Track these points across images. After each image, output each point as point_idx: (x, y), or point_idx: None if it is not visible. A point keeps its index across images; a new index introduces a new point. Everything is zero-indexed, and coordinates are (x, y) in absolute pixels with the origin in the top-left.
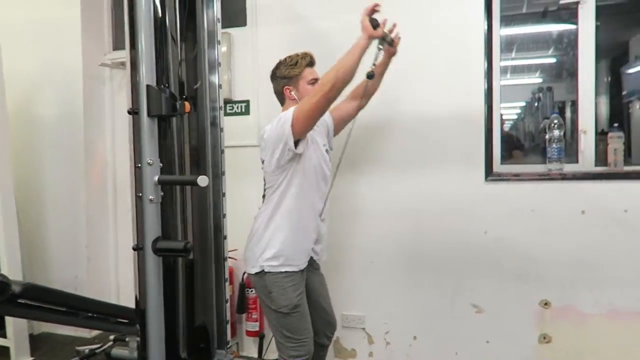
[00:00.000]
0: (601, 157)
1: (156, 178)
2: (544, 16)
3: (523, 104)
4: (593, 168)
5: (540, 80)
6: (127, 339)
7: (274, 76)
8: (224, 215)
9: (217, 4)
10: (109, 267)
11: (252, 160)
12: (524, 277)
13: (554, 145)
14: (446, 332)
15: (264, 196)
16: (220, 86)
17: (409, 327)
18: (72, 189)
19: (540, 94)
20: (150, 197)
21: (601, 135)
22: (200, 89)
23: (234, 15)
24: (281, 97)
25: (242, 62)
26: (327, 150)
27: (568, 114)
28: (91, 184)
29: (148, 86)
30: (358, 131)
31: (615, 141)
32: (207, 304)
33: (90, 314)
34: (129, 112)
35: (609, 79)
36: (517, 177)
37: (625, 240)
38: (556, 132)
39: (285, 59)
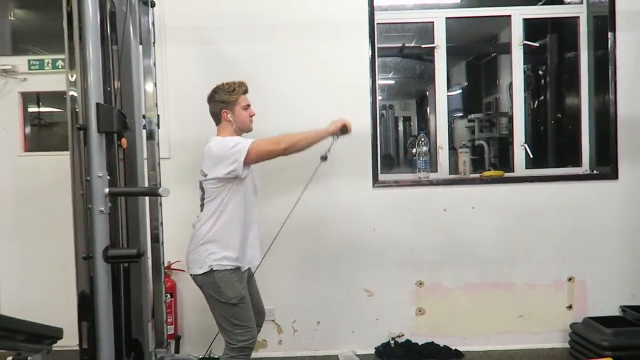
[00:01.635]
0: (452, 166)
1: (107, 190)
2: (401, 51)
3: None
4: (446, 176)
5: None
6: (29, 359)
7: (212, 99)
8: (161, 224)
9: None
10: None
11: (165, 171)
12: (404, 264)
13: (421, 158)
14: (344, 315)
15: (202, 205)
16: (156, 103)
17: (313, 314)
18: None
19: (384, 111)
20: (100, 208)
21: (452, 150)
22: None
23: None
24: (218, 118)
25: None
26: None
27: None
28: None
29: (98, 104)
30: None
31: (464, 155)
32: (139, 307)
33: (2, 333)
34: (78, 128)
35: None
36: (397, 184)
37: (475, 230)
38: (424, 148)
39: (223, 85)
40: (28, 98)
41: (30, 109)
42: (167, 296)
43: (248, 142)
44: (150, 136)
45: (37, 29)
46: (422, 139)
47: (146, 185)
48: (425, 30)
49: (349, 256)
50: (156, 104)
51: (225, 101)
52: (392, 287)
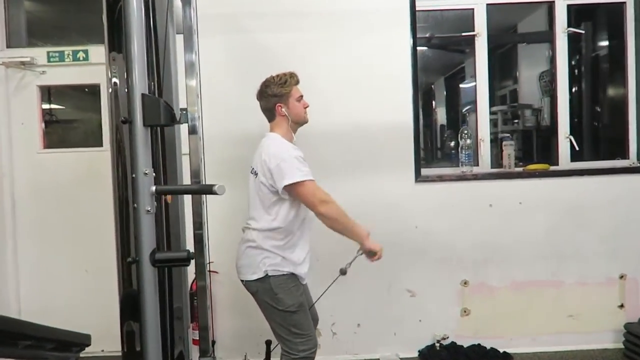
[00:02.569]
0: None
1: (153, 188)
2: (429, 41)
3: None
4: (490, 169)
5: None
6: None
7: (264, 95)
8: (206, 223)
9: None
10: (7, 284)
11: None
12: (447, 262)
13: (465, 152)
14: (385, 316)
15: (251, 206)
16: (198, 95)
17: (353, 316)
18: None
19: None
20: (147, 207)
21: (493, 143)
22: (174, 98)
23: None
24: (271, 114)
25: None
26: None
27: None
28: None
29: (144, 95)
30: (301, 140)
31: (509, 148)
32: (180, 312)
33: (30, 342)
34: (123, 122)
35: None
36: (440, 179)
37: (522, 227)
38: (467, 141)
39: (274, 78)
40: (47, 92)
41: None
42: (195, 299)
43: (306, 176)
44: (193, 131)
45: (52, 21)
46: (465, 132)
47: (188, 182)
48: (446, 20)
49: (390, 255)
50: (199, 98)
51: (278, 94)
52: (435, 286)
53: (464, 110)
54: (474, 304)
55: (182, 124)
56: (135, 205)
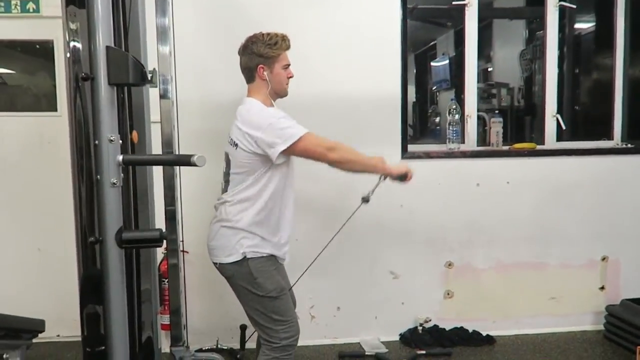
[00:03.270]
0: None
1: (120, 158)
2: (411, 12)
3: None
4: (477, 147)
5: None
6: (5, 356)
7: (248, 51)
8: (180, 199)
9: None
10: None
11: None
12: (432, 243)
13: (452, 128)
14: (367, 299)
15: (226, 181)
16: (171, 52)
17: (332, 299)
18: None
19: None
20: (113, 180)
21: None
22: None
23: None
24: (251, 74)
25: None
26: None
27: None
28: None
29: (109, 48)
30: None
31: (497, 125)
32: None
33: None
34: (84, 78)
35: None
36: (427, 155)
37: (508, 207)
38: (456, 117)
39: (263, 35)
40: None
41: None
42: (164, 281)
43: (302, 131)
44: (165, 95)
45: None
46: (454, 107)
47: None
48: None
49: (373, 235)
50: (173, 55)
51: (264, 55)
52: (419, 268)
53: (433, 89)
54: (457, 286)
55: (153, 85)
56: (99, 176)
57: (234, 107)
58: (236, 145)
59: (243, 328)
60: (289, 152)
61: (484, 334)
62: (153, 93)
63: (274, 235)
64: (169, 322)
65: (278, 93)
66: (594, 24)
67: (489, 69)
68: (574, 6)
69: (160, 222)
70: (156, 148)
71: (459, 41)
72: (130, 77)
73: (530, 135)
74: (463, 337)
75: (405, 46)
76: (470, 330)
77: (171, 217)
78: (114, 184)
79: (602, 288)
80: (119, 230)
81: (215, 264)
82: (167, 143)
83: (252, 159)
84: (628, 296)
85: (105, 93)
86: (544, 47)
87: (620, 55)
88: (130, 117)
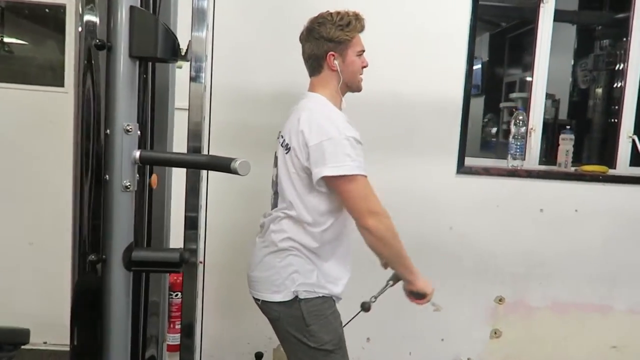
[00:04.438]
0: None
1: (137, 154)
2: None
3: None
4: (541, 166)
5: None
6: None
7: (315, 35)
8: (205, 207)
9: None
10: None
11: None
12: (483, 274)
13: (516, 142)
14: (402, 332)
15: (277, 192)
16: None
17: (362, 328)
18: None
19: None
20: (126, 182)
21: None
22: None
23: None
24: (318, 64)
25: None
26: None
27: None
28: None
29: (133, 9)
30: None
31: (567, 142)
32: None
33: None
34: (98, 47)
35: None
36: (487, 172)
37: (575, 239)
38: (522, 129)
39: (332, 15)
40: None
41: None
42: (174, 295)
43: (360, 170)
44: (196, 77)
45: None
46: (520, 117)
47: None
48: None
49: (415, 259)
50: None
51: (335, 39)
52: (464, 301)
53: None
54: (507, 325)
55: (187, 60)
56: (107, 176)
57: (277, 100)
58: (289, 148)
59: (259, 357)
60: (330, 182)
61: None
62: (179, 74)
63: (331, 268)
64: (177, 343)
65: (350, 86)
66: None
67: (527, 78)
68: None
69: (175, 230)
70: (179, 142)
71: (494, 44)
72: (159, 49)
73: (587, 155)
74: None
75: (472, 46)
76: None
77: (192, 225)
78: (127, 187)
79: None
80: (128, 248)
81: (256, 300)
82: (195, 136)
83: (307, 170)
84: None
85: (124, 68)
86: (627, 58)
87: None
88: (153, 102)
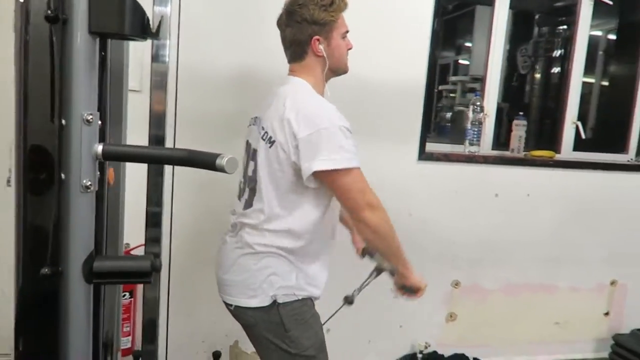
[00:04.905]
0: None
1: (99, 148)
2: None
3: None
4: (501, 152)
5: None
6: None
7: (297, 18)
8: (170, 203)
9: None
10: None
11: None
12: (440, 259)
13: (474, 128)
14: (360, 320)
15: (254, 189)
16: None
17: (323, 319)
18: None
19: None
20: (86, 181)
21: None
22: None
23: None
24: (301, 50)
25: None
26: None
27: None
28: None
29: None
30: None
31: (520, 128)
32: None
33: None
34: (49, 19)
35: None
36: (447, 158)
37: (526, 223)
38: (479, 115)
39: None
40: None
41: None
42: (124, 295)
43: (355, 162)
44: (157, 57)
45: None
46: (478, 103)
47: (145, 141)
48: None
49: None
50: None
51: (319, 21)
52: None
53: None
54: (462, 308)
55: (159, 39)
56: (63, 175)
57: (244, 84)
58: (272, 141)
59: (216, 356)
60: (324, 177)
61: None
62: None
63: (312, 268)
64: (127, 346)
65: (336, 71)
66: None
67: (459, 61)
68: (611, 2)
69: (132, 229)
70: (134, 128)
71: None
72: (126, 25)
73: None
74: None
75: (437, 30)
76: (472, 358)
77: (153, 222)
78: (88, 187)
79: (607, 314)
80: (89, 258)
81: (228, 305)
82: (158, 123)
83: (294, 165)
84: (631, 323)
85: (82, 46)
86: (573, 45)
87: None
88: (108, 86)
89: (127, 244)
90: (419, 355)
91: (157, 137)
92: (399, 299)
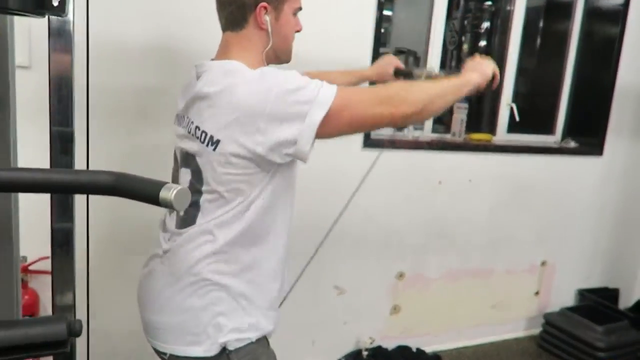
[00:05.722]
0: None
1: None
2: None
3: None
4: (442, 135)
5: None
6: None
7: None
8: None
9: None
10: None
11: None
12: (385, 251)
13: None
14: (303, 321)
15: (194, 207)
16: None
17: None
18: None
19: None
20: None
21: None
22: None
23: None
24: (241, 14)
25: None
26: None
27: None
28: None
29: None
30: None
31: (462, 112)
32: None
33: None
34: None
35: None
36: (392, 145)
37: (468, 209)
38: None
39: None
40: None
41: None
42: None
43: (331, 87)
44: (59, 28)
45: None
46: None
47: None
48: None
49: (318, 240)
50: None
51: None
52: (368, 281)
53: None
54: (406, 300)
55: (63, 16)
56: None
57: (162, 58)
58: (216, 143)
59: None
60: (327, 130)
61: (429, 350)
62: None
63: (270, 292)
64: None
65: (279, 55)
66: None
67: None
68: None
69: (30, 238)
70: (23, 113)
71: None
72: None
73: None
74: (407, 358)
75: (381, 8)
76: (414, 349)
77: (62, 242)
78: None
79: (537, 293)
80: None
81: (161, 353)
82: (62, 110)
83: (251, 168)
84: (558, 301)
85: None
86: (509, 22)
87: (574, 48)
88: None
89: (24, 257)
90: (365, 353)
91: (61, 132)
92: (343, 296)
